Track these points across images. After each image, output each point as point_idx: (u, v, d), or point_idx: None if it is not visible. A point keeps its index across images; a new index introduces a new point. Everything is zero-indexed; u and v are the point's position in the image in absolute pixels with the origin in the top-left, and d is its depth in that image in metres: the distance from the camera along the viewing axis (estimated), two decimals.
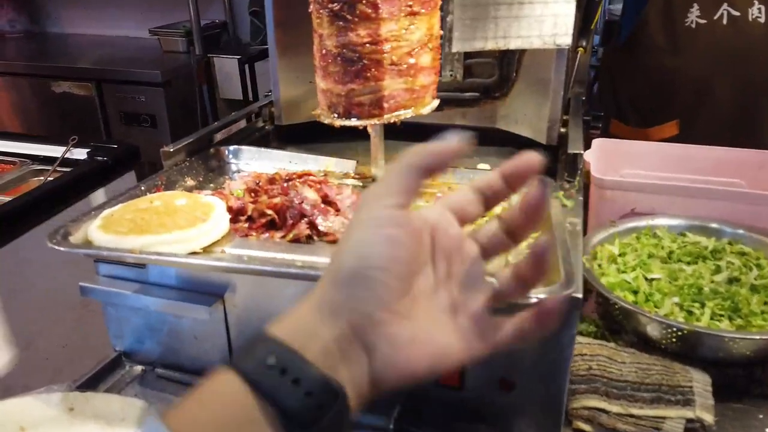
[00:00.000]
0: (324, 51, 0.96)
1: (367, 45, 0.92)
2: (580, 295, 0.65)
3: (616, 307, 0.90)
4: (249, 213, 0.89)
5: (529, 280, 0.48)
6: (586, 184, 1.11)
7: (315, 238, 0.86)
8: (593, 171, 1.15)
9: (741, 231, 1.06)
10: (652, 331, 0.88)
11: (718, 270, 0.99)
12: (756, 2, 1.47)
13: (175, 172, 1.01)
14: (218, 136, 1.18)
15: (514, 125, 1.20)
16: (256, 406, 0.39)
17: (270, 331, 0.43)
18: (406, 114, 0.97)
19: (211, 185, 1.03)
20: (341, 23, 0.92)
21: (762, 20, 1.48)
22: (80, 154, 1.69)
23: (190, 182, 1.02)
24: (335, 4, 0.91)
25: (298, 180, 0.98)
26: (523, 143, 1.18)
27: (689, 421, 0.77)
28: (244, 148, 1.13)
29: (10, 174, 1.64)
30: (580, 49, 1.25)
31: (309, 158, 1.11)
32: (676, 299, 0.92)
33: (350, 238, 0.46)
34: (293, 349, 0.41)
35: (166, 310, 0.84)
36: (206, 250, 0.80)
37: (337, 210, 0.90)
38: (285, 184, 0.96)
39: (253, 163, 1.12)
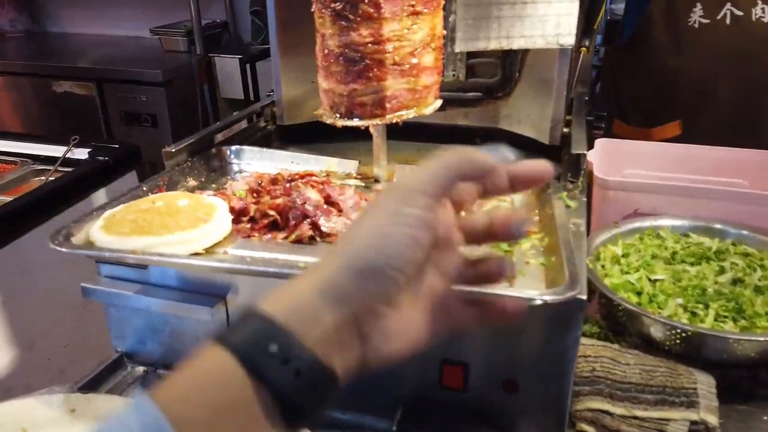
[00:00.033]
0: (326, 51, 0.95)
1: (370, 45, 0.91)
2: (584, 297, 0.65)
3: (620, 308, 0.90)
4: (251, 214, 0.89)
5: (487, 280, 0.50)
6: (589, 185, 1.11)
7: (318, 239, 0.85)
8: (596, 171, 1.15)
9: (745, 232, 1.06)
10: (656, 332, 0.87)
11: (722, 271, 0.98)
12: (759, 2, 1.47)
13: (177, 172, 1.00)
14: (219, 136, 1.18)
15: (516, 125, 1.20)
16: (252, 389, 0.39)
17: (268, 311, 0.42)
18: (408, 114, 0.97)
19: (213, 185, 1.03)
20: (343, 23, 0.91)
21: (765, 20, 1.47)
22: (81, 154, 1.69)
23: (192, 182, 1.01)
24: (337, 3, 0.90)
25: (300, 180, 0.97)
26: (525, 143, 1.18)
27: (693, 423, 0.76)
28: (246, 148, 1.13)
29: (11, 174, 1.63)
30: (583, 48, 1.25)
31: (311, 158, 1.11)
32: (680, 300, 0.92)
33: (374, 226, 0.45)
34: (296, 338, 0.41)
35: (168, 311, 0.84)
36: (208, 251, 0.80)
37: (340, 211, 0.90)
38: (287, 185, 0.96)
39: (255, 163, 1.11)
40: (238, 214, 0.88)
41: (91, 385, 0.87)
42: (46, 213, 1.46)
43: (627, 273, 0.99)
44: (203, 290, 0.81)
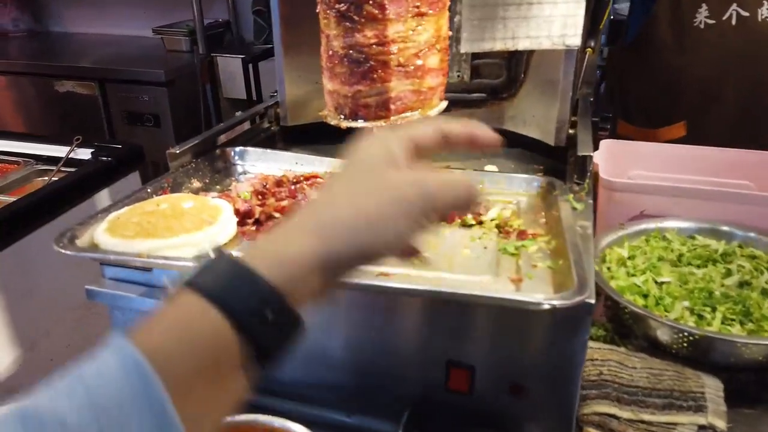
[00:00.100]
0: (331, 52, 0.95)
1: (374, 46, 0.91)
2: (593, 301, 0.65)
3: (626, 311, 0.89)
4: (256, 216, 0.88)
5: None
6: (594, 186, 1.10)
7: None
8: (601, 173, 1.14)
9: (752, 234, 1.06)
10: (663, 335, 0.87)
11: (728, 273, 0.98)
12: (765, 2, 1.46)
13: (182, 173, 1.00)
14: (223, 138, 1.17)
15: (522, 126, 1.19)
16: (237, 344, 0.42)
17: (264, 273, 0.44)
18: (413, 116, 0.96)
19: (218, 187, 1.03)
20: (348, 24, 0.91)
21: None
22: (84, 154, 1.69)
23: (196, 184, 1.01)
24: (342, 4, 0.90)
25: (305, 182, 0.97)
26: (530, 144, 1.18)
27: (701, 427, 0.76)
28: (250, 149, 1.12)
29: (14, 174, 1.63)
30: (588, 49, 1.24)
31: (315, 159, 1.10)
32: (687, 303, 0.91)
33: (369, 198, 0.48)
34: (290, 307, 0.44)
35: None
36: None
37: None
38: (292, 187, 0.95)
39: (259, 164, 1.11)
40: (243, 217, 0.88)
41: None
42: (50, 214, 1.46)
43: (633, 275, 0.99)
44: None
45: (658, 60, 1.59)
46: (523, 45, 1.04)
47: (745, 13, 1.47)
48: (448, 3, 0.94)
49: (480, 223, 0.89)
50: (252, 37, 3.24)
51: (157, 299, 0.83)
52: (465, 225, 0.89)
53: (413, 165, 0.51)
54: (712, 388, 0.80)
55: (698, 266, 1.01)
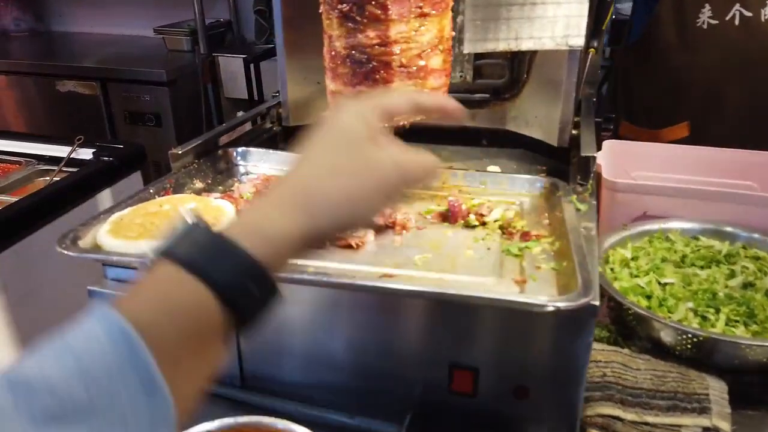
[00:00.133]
0: (333, 52, 0.95)
1: (376, 47, 0.91)
2: (597, 303, 0.64)
3: (630, 312, 0.89)
4: None
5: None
6: (596, 187, 1.10)
7: (326, 242, 0.85)
8: (604, 173, 1.14)
9: (756, 235, 1.05)
10: (666, 337, 0.87)
11: (732, 275, 0.97)
12: None
13: (184, 174, 1.00)
14: (225, 138, 1.17)
15: (524, 127, 1.19)
16: (221, 316, 0.43)
17: (249, 248, 0.44)
18: (415, 117, 0.96)
19: (220, 187, 1.03)
20: (350, 24, 0.91)
21: None
22: (86, 154, 1.68)
23: (198, 185, 1.01)
24: (344, 5, 0.90)
25: None
26: (532, 145, 1.17)
27: (706, 429, 0.76)
28: (253, 149, 1.12)
29: (16, 174, 1.63)
30: (591, 49, 1.24)
31: None
32: (690, 304, 0.91)
33: (352, 175, 0.50)
34: (272, 280, 0.46)
35: None
36: None
37: None
38: None
39: (261, 165, 1.11)
40: None
41: None
42: (51, 214, 1.46)
43: (636, 276, 0.98)
44: None
45: (661, 60, 1.58)
46: (526, 45, 1.04)
47: (749, 14, 1.46)
48: (451, 3, 0.94)
49: (483, 224, 0.89)
50: (253, 37, 3.24)
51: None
52: (468, 226, 0.89)
53: (387, 137, 0.53)
54: (717, 390, 0.80)
55: (702, 267, 1.00)
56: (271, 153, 1.12)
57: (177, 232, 0.45)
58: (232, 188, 1.00)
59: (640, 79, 1.66)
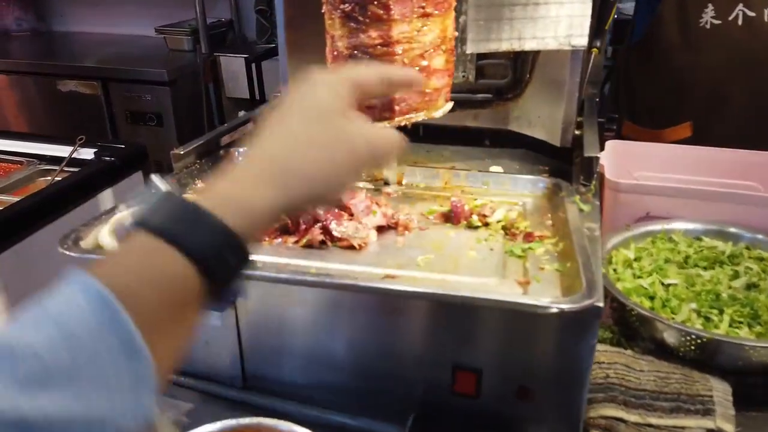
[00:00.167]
0: (336, 52, 0.94)
1: (379, 47, 0.90)
2: (601, 305, 0.64)
3: (633, 313, 0.89)
4: None
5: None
6: (599, 187, 1.09)
7: (328, 243, 0.85)
8: (607, 174, 1.13)
9: (760, 236, 1.05)
10: (670, 338, 0.86)
11: (736, 275, 0.97)
12: None
13: (186, 175, 1.00)
14: (226, 138, 1.17)
15: (527, 127, 1.19)
16: (199, 284, 0.44)
17: (227, 220, 0.45)
18: (417, 117, 0.95)
19: None
20: (353, 24, 0.90)
21: None
22: (87, 153, 1.68)
23: (200, 185, 1.01)
24: (347, 5, 0.89)
25: None
26: (535, 145, 1.17)
27: (709, 431, 0.75)
28: None
29: (17, 174, 1.63)
30: (594, 49, 1.23)
31: None
32: (694, 305, 0.90)
33: (325, 150, 0.50)
34: (247, 250, 0.46)
35: None
36: None
37: (351, 214, 0.89)
38: None
39: None
40: None
41: None
42: (53, 213, 1.46)
43: (639, 277, 0.98)
44: None
45: (664, 60, 1.58)
46: (529, 45, 1.04)
47: (752, 14, 1.46)
48: (454, 3, 0.94)
49: (486, 224, 0.89)
50: (255, 37, 3.23)
51: None
52: (471, 227, 0.89)
53: (355, 112, 0.53)
54: (720, 391, 0.80)
55: (705, 268, 1.00)
56: None
57: (151, 200, 0.45)
58: None
59: (643, 79, 1.66)
